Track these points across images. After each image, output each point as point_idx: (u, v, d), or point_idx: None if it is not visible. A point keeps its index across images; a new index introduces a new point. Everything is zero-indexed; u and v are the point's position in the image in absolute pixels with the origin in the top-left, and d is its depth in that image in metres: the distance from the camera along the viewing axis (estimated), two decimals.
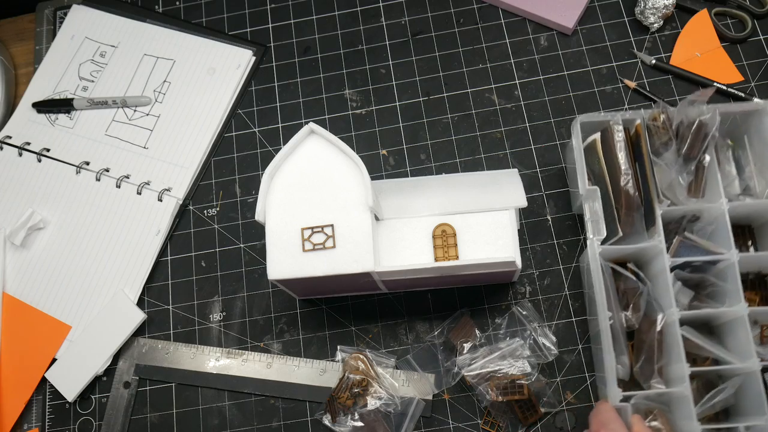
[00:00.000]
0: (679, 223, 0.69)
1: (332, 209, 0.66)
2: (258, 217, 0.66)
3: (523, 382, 0.68)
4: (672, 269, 0.67)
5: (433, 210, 0.68)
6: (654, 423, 0.64)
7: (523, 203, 0.68)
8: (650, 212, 0.68)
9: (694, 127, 0.68)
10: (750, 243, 0.72)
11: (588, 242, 0.68)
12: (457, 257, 0.67)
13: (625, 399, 0.64)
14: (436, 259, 0.67)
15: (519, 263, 0.67)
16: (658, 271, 0.68)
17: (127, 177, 0.83)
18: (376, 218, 0.67)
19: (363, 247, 0.65)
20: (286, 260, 0.65)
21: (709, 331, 0.70)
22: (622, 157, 0.69)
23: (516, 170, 0.72)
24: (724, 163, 0.71)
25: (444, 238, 0.67)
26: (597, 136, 0.71)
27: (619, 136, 0.69)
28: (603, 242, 0.68)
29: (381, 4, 0.88)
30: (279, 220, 0.66)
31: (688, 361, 0.63)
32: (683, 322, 0.66)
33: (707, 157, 0.69)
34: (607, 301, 0.66)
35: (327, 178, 0.66)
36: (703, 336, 0.67)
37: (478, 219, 0.67)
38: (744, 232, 0.72)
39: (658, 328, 0.66)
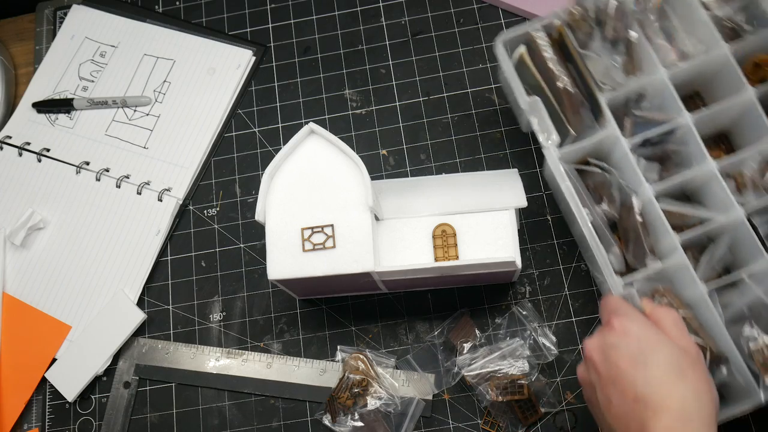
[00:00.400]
0: (626, 105, 0.69)
1: (332, 209, 0.66)
2: (258, 217, 0.66)
3: (523, 382, 0.68)
4: (633, 151, 0.67)
5: (433, 210, 0.68)
6: (663, 300, 0.63)
7: (523, 203, 0.68)
8: (595, 104, 0.68)
9: (611, 9, 0.68)
10: (702, 108, 0.71)
11: (545, 152, 0.67)
12: (457, 257, 0.67)
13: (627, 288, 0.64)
14: (436, 259, 0.67)
15: (519, 263, 0.67)
16: (621, 157, 0.67)
17: (127, 177, 0.83)
18: (376, 218, 0.67)
19: (363, 247, 0.65)
20: (286, 260, 0.65)
21: (687, 200, 0.70)
22: (552, 61, 0.68)
23: (516, 170, 0.72)
24: (654, 39, 0.70)
25: (444, 238, 0.67)
26: (522, 49, 0.70)
27: (544, 42, 0.69)
28: (559, 148, 0.68)
29: (381, 4, 0.88)
30: (279, 220, 0.66)
31: (675, 231, 0.64)
32: (659, 196, 0.66)
33: (633, 33, 0.69)
34: (580, 201, 0.66)
35: (327, 178, 0.66)
36: (682, 203, 0.67)
37: (478, 219, 0.67)
38: (693, 100, 0.71)
39: (637, 209, 0.66)
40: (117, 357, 0.77)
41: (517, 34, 0.70)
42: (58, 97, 0.87)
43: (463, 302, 0.75)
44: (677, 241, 0.64)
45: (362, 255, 0.65)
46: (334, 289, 0.73)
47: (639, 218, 0.66)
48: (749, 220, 0.63)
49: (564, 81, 0.68)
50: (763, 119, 0.66)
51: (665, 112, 0.68)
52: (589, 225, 0.65)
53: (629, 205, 0.67)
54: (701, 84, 0.72)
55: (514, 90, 0.70)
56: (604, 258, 0.64)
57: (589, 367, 0.58)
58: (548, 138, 0.67)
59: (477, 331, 0.73)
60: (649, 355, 0.53)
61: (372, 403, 0.70)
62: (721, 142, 0.72)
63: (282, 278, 0.66)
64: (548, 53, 0.68)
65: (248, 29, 0.89)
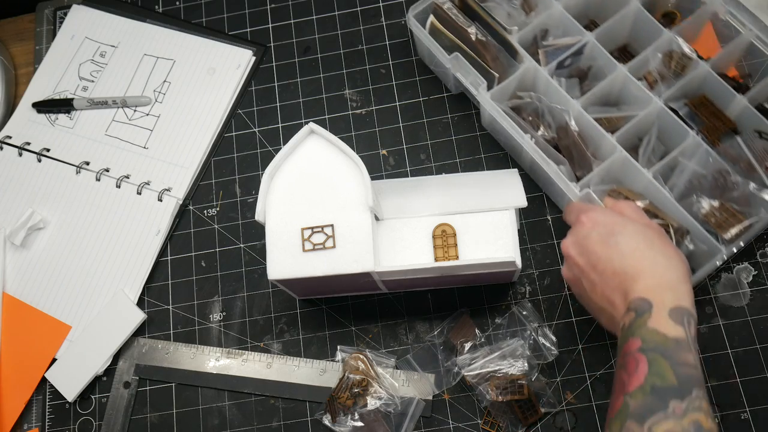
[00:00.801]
0: (535, 42, 0.78)
1: (332, 209, 0.66)
2: (258, 217, 0.66)
3: (523, 382, 0.68)
4: (552, 75, 0.74)
5: (433, 210, 0.68)
6: (620, 197, 0.68)
7: (523, 203, 0.68)
8: (509, 46, 0.76)
9: None
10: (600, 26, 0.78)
11: (479, 98, 0.74)
12: (457, 257, 0.67)
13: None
14: (436, 259, 0.67)
15: (519, 263, 0.67)
16: (545, 84, 0.75)
17: (127, 177, 0.83)
18: (376, 218, 0.67)
19: (363, 247, 0.65)
20: (286, 260, 0.65)
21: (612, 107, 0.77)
22: (461, 20, 0.76)
23: (516, 170, 0.72)
24: None
25: (444, 238, 0.67)
26: (431, 18, 0.78)
27: (448, 6, 0.77)
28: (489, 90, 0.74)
29: (381, 4, 0.88)
30: (279, 220, 0.66)
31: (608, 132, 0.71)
32: (586, 107, 0.72)
33: None
34: (522, 130, 0.72)
35: (327, 178, 0.66)
36: (609, 108, 0.75)
37: (478, 219, 0.67)
38: (590, 28, 0.77)
39: (572, 123, 0.73)
40: (117, 357, 0.77)
41: (424, 6, 0.78)
42: (58, 97, 0.87)
43: (463, 302, 0.75)
44: (614, 140, 0.71)
45: (362, 255, 0.65)
46: (334, 289, 0.73)
47: (575, 128, 0.73)
48: (668, 107, 0.71)
49: (476, 34, 0.76)
50: (652, 20, 0.74)
51: (570, 37, 0.76)
52: (535, 146, 0.71)
53: (565, 125, 0.73)
54: (594, 11, 0.80)
55: (436, 54, 0.76)
56: (554, 170, 0.71)
57: (570, 265, 0.63)
58: (478, 84, 0.74)
59: (477, 331, 0.73)
60: (618, 234, 0.60)
61: (372, 403, 0.70)
62: (624, 55, 0.79)
63: (282, 278, 0.66)
64: (455, 14, 0.76)
65: (248, 29, 0.89)
